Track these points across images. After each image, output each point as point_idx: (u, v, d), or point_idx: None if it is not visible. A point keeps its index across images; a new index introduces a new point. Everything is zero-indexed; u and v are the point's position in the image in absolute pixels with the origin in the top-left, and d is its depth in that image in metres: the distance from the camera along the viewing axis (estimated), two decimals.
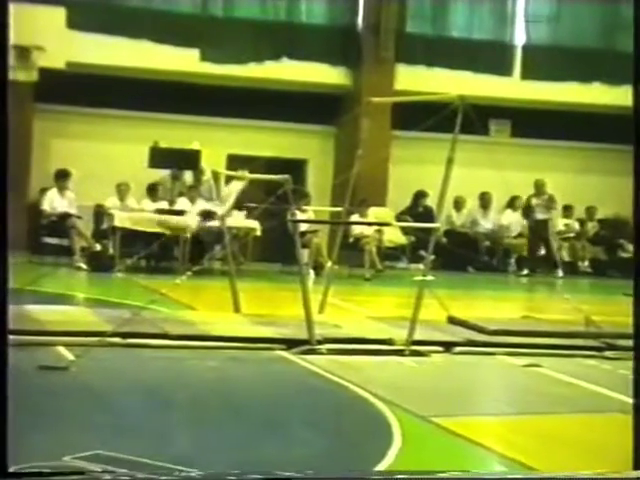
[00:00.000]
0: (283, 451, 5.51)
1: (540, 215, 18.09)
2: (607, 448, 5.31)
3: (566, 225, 19.38)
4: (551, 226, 18.44)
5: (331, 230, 15.95)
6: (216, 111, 17.78)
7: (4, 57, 4.10)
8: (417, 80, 17.78)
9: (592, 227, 19.60)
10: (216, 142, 16.96)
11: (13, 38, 15.43)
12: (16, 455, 4.81)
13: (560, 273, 17.87)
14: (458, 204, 18.62)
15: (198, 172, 16.57)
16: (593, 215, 19.66)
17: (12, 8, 15.02)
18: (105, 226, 15.53)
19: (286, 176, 9.02)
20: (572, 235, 19.31)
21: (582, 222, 19.60)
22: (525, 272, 17.88)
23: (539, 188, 18.30)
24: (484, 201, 18.79)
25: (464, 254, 16.86)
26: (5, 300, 4.05)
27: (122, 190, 15.93)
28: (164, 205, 15.86)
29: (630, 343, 4.84)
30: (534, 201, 18.31)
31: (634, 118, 4.65)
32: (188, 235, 14.89)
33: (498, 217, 18.98)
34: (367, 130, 11.36)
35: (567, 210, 19.43)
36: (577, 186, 19.46)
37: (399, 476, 4.92)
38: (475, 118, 8.50)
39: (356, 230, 16.42)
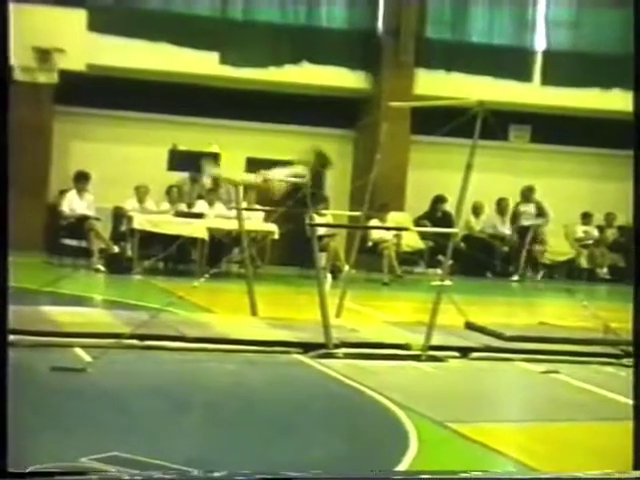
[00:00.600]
0: (299, 455, 5.51)
1: (525, 222, 17.97)
2: (625, 455, 5.27)
3: (585, 232, 19.31)
4: (540, 233, 18.34)
5: (349, 234, 15.95)
6: (235, 114, 17.80)
7: (5, 55, 4.11)
8: (437, 85, 17.75)
9: (611, 234, 19.52)
10: (235, 145, 16.99)
11: (34, 40, 15.61)
12: (33, 455, 4.83)
13: (538, 277, 17.79)
14: (477, 209, 18.57)
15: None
16: (612, 222, 19.58)
17: (33, 10, 15.11)
18: (123, 228, 15.56)
19: (305, 179, 9.02)
20: (591, 242, 19.23)
21: (601, 229, 19.52)
22: (516, 277, 17.69)
23: (527, 195, 18.18)
24: (501, 207, 18.73)
25: (482, 259, 16.83)
26: (5, 300, 4.05)
27: (141, 192, 15.96)
28: (182, 208, 15.89)
29: None
30: (521, 208, 18.20)
31: (635, 123, 4.63)
32: (207, 238, 14.89)
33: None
34: (386, 134, 11.35)
35: (586, 217, 19.35)
36: (596, 192, 19.40)
37: (397, 477, 4.90)
38: (495, 123, 8.48)
39: (375, 235, 16.40)
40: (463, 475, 4.43)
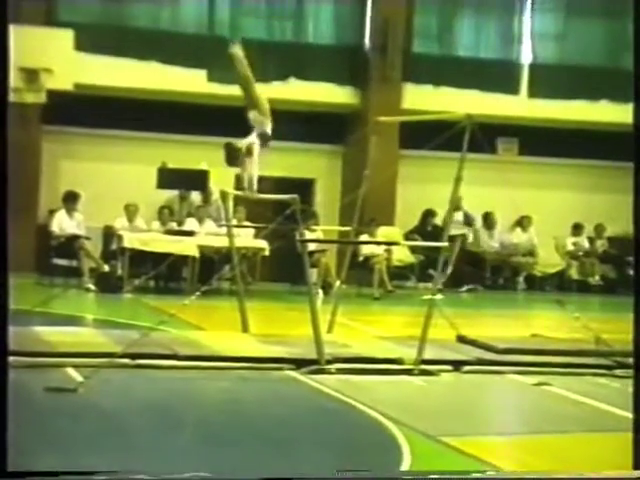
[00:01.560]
0: (293, 470, 5.50)
1: (453, 231, 17.78)
2: (618, 467, 5.28)
3: (575, 244, 19.34)
4: (469, 242, 18.33)
5: (339, 249, 15.94)
6: (224, 131, 17.76)
7: (4, 74, 4.11)
8: (424, 99, 17.79)
9: (601, 245, 19.57)
10: (224, 162, 16.97)
11: (21, 60, 15.60)
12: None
13: (464, 288, 17.48)
14: (467, 222, 18.59)
15: (206, 192, 16.59)
16: (602, 233, 19.63)
17: (20, 31, 15.10)
18: (114, 247, 15.54)
19: (294, 196, 9.03)
20: (581, 253, 19.26)
21: (591, 240, 19.56)
22: (465, 288, 17.50)
23: (454, 204, 18.04)
24: (488, 221, 18.74)
25: (472, 272, 16.83)
26: (6, 316, 4.07)
27: (131, 211, 15.95)
28: (172, 226, 15.88)
29: None
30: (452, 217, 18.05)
31: (634, 135, 4.66)
32: (197, 255, 14.88)
33: (507, 235, 18.95)
34: (375, 149, 11.37)
35: (577, 228, 19.38)
36: (586, 204, 19.44)
37: (405, 477, 4.90)
38: (482, 137, 8.51)
39: (365, 249, 16.40)
40: (474, 474, 4.43)
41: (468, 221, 18.16)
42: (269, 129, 9.85)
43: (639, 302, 4.54)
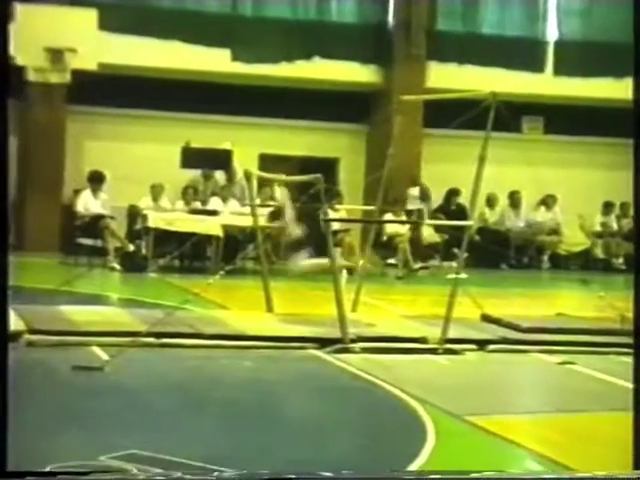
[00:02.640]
0: (317, 450, 5.52)
1: (411, 205, 17.55)
2: None
3: (602, 224, 19.23)
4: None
5: (364, 229, 15.93)
6: (248, 111, 17.81)
7: (4, 55, 4.11)
8: (449, 77, 17.71)
9: (626, 223, 19.44)
10: (248, 142, 17.00)
11: (46, 40, 15.64)
12: (52, 454, 4.86)
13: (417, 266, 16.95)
14: (491, 202, 18.55)
15: (230, 172, 16.60)
16: (628, 211, 19.50)
17: (45, 10, 15.15)
18: (138, 226, 15.58)
19: (318, 175, 9.02)
20: (607, 232, 19.17)
21: (617, 218, 19.45)
22: (418, 265, 17.05)
23: (413, 179, 17.90)
24: (514, 200, 18.70)
25: (497, 251, 16.78)
26: (5, 301, 4.07)
27: (156, 191, 15.99)
28: (197, 205, 15.91)
29: None
30: (409, 192, 17.90)
31: (634, 111, 4.61)
32: (221, 234, 14.90)
33: (532, 214, 18.89)
34: (399, 128, 11.33)
35: (607, 207, 19.25)
36: (611, 182, 19.32)
37: (407, 477, 4.90)
38: (507, 115, 8.47)
39: (390, 229, 16.39)
40: (474, 475, 4.43)
41: (424, 197, 17.93)
42: None
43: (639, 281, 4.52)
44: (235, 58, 17.59)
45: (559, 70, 19.01)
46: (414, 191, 17.60)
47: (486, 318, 10.14)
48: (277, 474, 4.33)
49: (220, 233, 14.91)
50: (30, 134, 16.43)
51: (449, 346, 8.72)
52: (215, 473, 4.50)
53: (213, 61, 17.38)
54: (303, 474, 4.33)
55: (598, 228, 19.20)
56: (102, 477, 4.41)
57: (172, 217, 15.17)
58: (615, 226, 19.35)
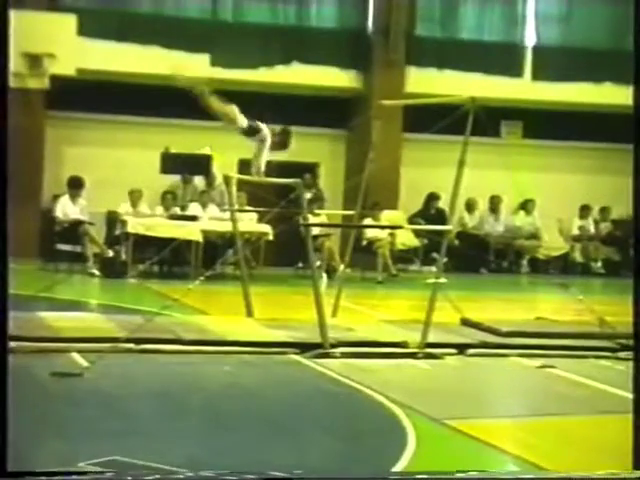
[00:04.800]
0: (297, 455, 5.52)
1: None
2: (621, 449, 5.29)
3: (580, 227, 19.32)
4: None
5: (344, 233, 15.94)
6: None
7: (4, 61, 4.10)
8: (428, 82, 17.76)
9: (605, 227, 19.54)
10: (227, 147, 16.95)
11: (24, 46, 15.59)
12: (32, 461, 4.84)
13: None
14: (470, 206, 18.61)
15: (210, 177, 16.59)
16: (607, 216, 19.60)
17: (23, 16, 15.08)
18: (118, 232, 15.55)
19: (298, 180, 9.03)
20: (585, 237, 19.25)
21: (596, 223, 19.55)
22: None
23: (307, 181, 17.79)
24: (493, 204, 18.77)
25: (476, 256, 16.83)
26: (5, 303, 4.06)
27: (134, 196, 15.96)
28: (176, 211, 15.88)
29: None
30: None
31: (635, 117, 4.65)
32: (201, 240, 14.88)
33: (511, 219, 18.96)
34: (378, 133, 11.36)
35: (584, 210, 19.36)
36: (589, 187, 19.42)
37: (393, 477, 4.91)
38: (486, 120, 8.50)
39: (369, 233, 16.41)
40: (459, 475, 4.44)
41: (317, 197, 17.53)
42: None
43: (639, 285, 4.54)
44: (214, 63, 17.58)
45: (538, 75, 19.09)
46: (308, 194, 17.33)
47: (466, 322, 10.16)
48: (253, 474, 4.33)
49: (200, 238, 14.89)
50: (9, 139, 16.36)
51: (429, 350, 8.74)
52: (211, 472, 4.48)
53: (192, 66, 17.35)
54: (296, 474, 4.34)
55: (576, 232, 19.28)
56: (102, 477, 4.40)
57: (151, 222, 15.14)
58: (592, 229, 19.43)
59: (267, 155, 9.82)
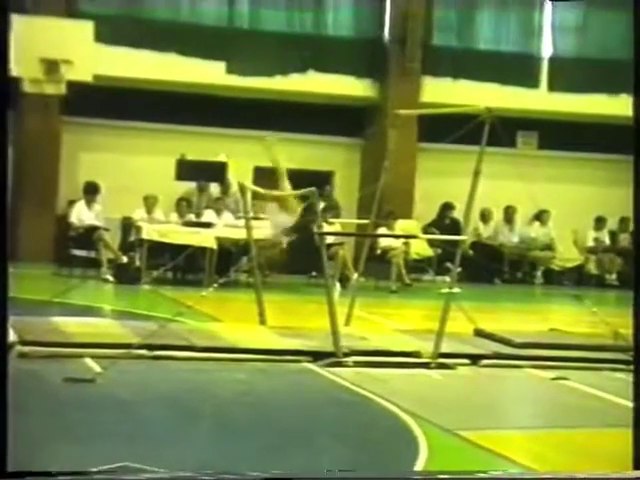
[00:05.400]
0: (310, 463, 5.51)
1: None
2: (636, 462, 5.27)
3: (595, 239, 19.25)
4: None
5: (357, 242, 15.93)
6: (242, 123, 17.81)
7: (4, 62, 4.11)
8: (444, 92, 17.75)
9: (624, 239, 19.37)
10: (243, 154, 17.00)
11: (41, 51, 15.65)
12: (44, 466, 4.84)
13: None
14: (485, 216, 18.57)
15: (225, 184, 16.61)
16: (627, 227, 19.43)
17: (40, 22, 15.10)
18: (132, 238, 15.57)
19: (312, 189, 9.03)
20: (600, 249, 19.17)
21: (614, 234, 19.40)
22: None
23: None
24: (508, 215, 18.75)
25: (490, 266, 16.80)
26: (5, 306, 4.07)
27: (149, 202, 15.99)
28: (191, 218, 15.90)
29: None
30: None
31: (634, 128, 4.63)
32: (215, 247, 14.89)
33: (526, 230, 18.93)
34: (393, 142, 11.37)
35: (599, 222, 19.28)
36: (605, 198, 19.36)
37: (414, 477, 4.90)
38: (502, 130, 8.49)
39: (383, 242, 16.39)
40: (480, 475, 4.43)
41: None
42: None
43: (639, 297, 4.53)
44: (230, 71, 17.62)
45: (554, 86, 19.07)
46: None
47: (479, 333, 10.14)
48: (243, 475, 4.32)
49: (214, 245, 14.90)
50: (25, 145, 16.42)
51: (442, 360, 8.72)
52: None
53: (208, 74, 17.40)
54: (296, 474, 4.33)
55: (591, 243, 19.21)
56: (102, 477, 4.40)
57: (166, 229, 15.16)
58: (607, 241, 19.35)
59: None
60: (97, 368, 7.57)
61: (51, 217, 16.66)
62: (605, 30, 19.22)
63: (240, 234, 13.31)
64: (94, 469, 4.85)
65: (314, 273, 15.88)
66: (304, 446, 5.90)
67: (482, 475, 4.65)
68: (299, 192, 9.40)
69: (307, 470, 5.33)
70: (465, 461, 5.82)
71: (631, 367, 8.88)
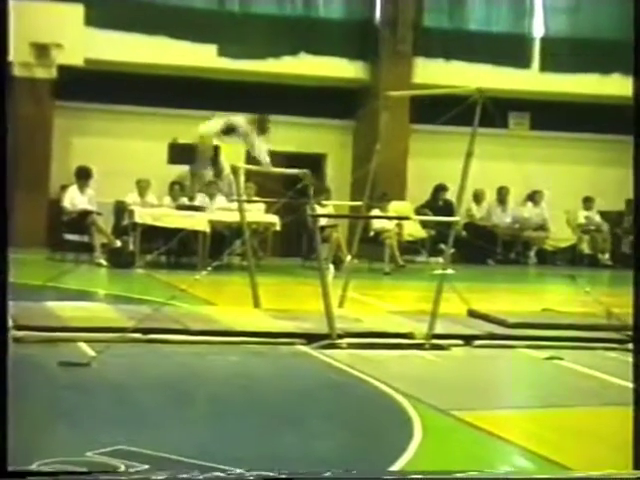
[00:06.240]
0: (304, 445, 5.52)
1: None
2: (627, 440, 5.30)
3: (586, 217, 19.27)
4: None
5: (351, 224, 15.94)
6: (234, 106, 17.72)
7: (4, 52, 4.10)
8: (435, 73, 17.74)
9: (627, 221, 19.27)
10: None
11: (32, 35, 15.60)
12: (39, 451, 4.85)
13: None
14: (478, 197, 18.60)
15: (218, 167, 16.59)
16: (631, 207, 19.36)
17: (31, 6, 15.09)
18: (125, 222, 15.56)
19: (305, 170, 9.03)
20: (592, 227, 19.18)
21: (620, 214, 19.22)
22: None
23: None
24: (501, 195, 18.77)
25: (484, 247, 16.83)
26: (5, 297, 4.06)
27: (142, 186, 15.97)
28: (184, 201, 15.89)
29: None
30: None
31: (634, 108, 4.63)
32: (208, 230, 14.89)
33: (519, 210, 18.94)
34: (386, 124, 11.35)
35: (587, 201, 19.29)
36: (598, 178, 19.38)
37: (389, 477, 4.91)
38: (494, 111, 8.48)
39: (376, 224, 16.40)
40: (458, 475, 4.44)
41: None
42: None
43: (639, 277, 4.55)
44: (221, 54, 17.58)
45: (545, 66, 19.05)
46: None
47: (473, 314, 10.16)
48: (274, 472, 4.33)
49: (207, 229, 14.90)
50: (17, 129, 16.37)
51: (436, 341, 8.73)
52: (216, 473, 4.48)
53: (200, 57, 17.36)
54: (295, 474, 4.34)
55: (582, 221, 19.17)
56: (103, 477, 4.41)
57: (159, 213, 15.16)
58: (598, 219, 19.30)
59: (263, 145, 9.84)
60: (91, 352, 7.58)
61: (43, 202, 16.64)
62: (596, 10, 19.21)
63: (233, 217, 13.31)
64: (89, 453, 4.87)
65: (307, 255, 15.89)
66: (298, 428, 5.92)
67: (479, 475, 4.66)
68: (291, 172, 9.39)
69: (301, 452, 5.35)
70: (459, 441, 5.84)
71: (625, 346, 8.96)
